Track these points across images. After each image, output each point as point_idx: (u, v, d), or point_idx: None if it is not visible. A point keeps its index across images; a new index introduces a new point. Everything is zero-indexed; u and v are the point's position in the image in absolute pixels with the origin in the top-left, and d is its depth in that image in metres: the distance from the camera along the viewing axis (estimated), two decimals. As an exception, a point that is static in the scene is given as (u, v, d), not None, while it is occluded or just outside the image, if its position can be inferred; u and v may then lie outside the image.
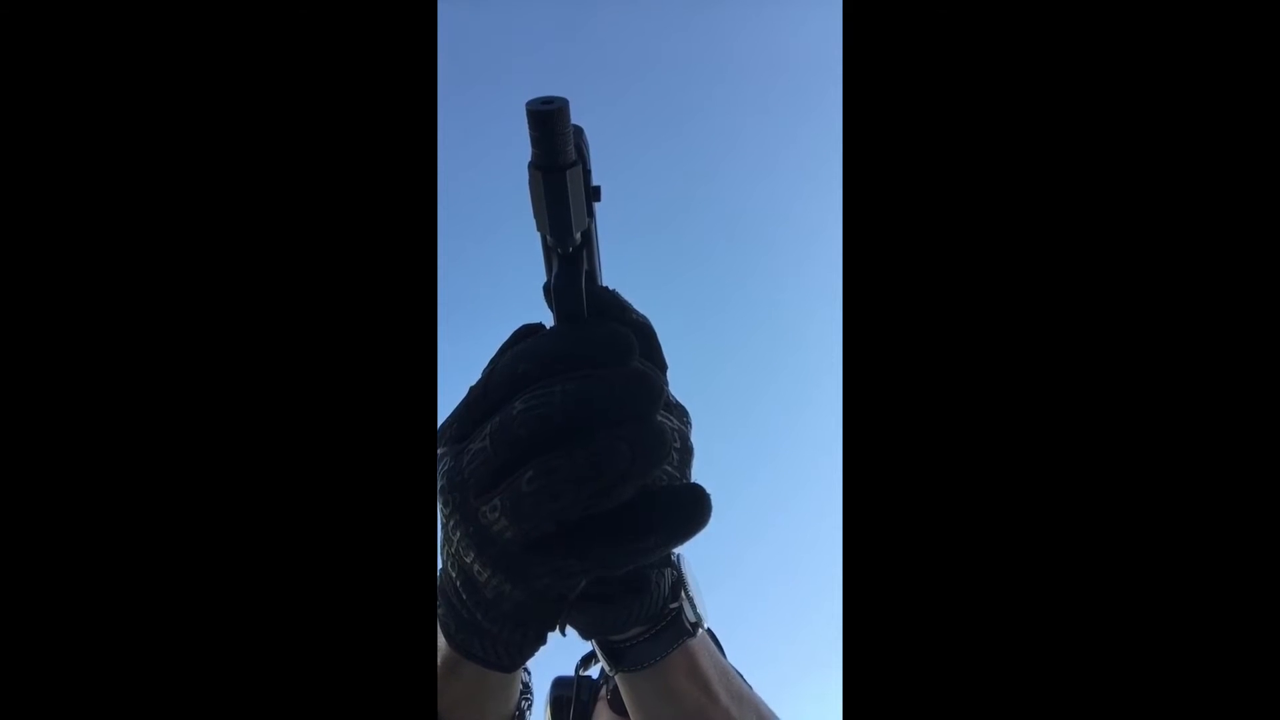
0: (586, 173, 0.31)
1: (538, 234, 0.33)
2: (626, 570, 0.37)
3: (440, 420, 0.36)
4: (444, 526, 0.35)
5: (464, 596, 0.36)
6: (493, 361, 0.36)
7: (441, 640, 0.39)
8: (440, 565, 0.38)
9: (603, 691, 0.75)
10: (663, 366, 0.39)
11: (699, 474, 0.39)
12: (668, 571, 0.43)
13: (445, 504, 0.34)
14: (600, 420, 0.30)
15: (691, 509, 0.33)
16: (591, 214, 0.33)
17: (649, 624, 0.44)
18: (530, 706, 0.52)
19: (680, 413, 0.40)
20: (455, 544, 0.35)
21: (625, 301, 0.38)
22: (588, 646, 0.48)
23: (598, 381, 0.31)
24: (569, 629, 0.42)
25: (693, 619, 0.45)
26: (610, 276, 0.39)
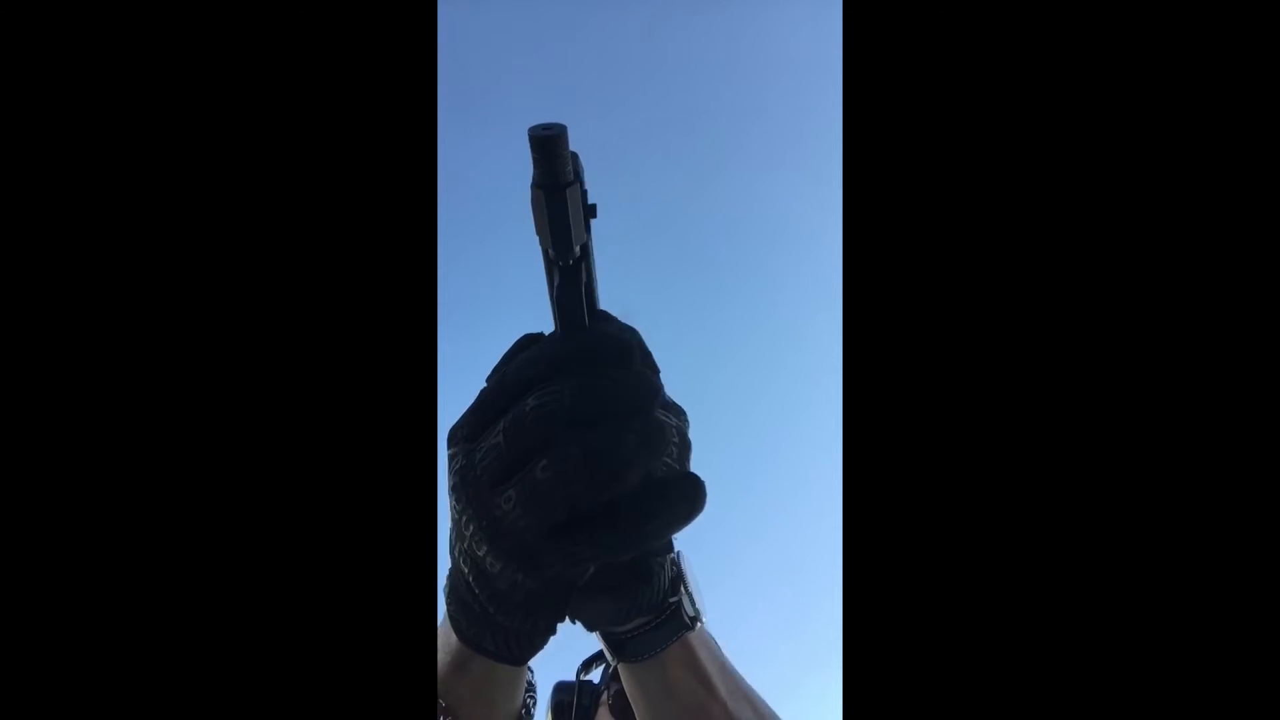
0: (583, 192, 0.34)
1: (540, 248, 0.35)
2: (631, 558, 0.40)
3: (440, 419, 0.37)
4: (456, 523, 0.37)
5: (476, 591, 0.38)
6: (499, 368, 0.38)
7: (452, 637, 0.41)
8: (450, 564, 0.40)
9: (604, 697, 0.75)
10: (654, 369, 0.41)
11: (701, 474, 0.40)
12: (669, 564, 0.46)
13: (458, 500, 0.36)
14: (608, 413, 0.33)
15: (689, 496, 0.36)
16: (588, 229, 0.36)
17: (650, 616, 0.45)
18: (534, 704, 0.53)
19: (678, 411, 0.42)
20: (468, 539, 0.36)
21: (613, 317, 0.41)
22: (589, 651, 0.48)
23: (604, 379, 0.34)
24: (576, 629, 0.44)
25: (692, 613, 0.47)
26: (612, 277, 0.41)
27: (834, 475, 0.35)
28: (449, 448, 0.38)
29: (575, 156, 0.34)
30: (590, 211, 0.35)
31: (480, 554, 0.36)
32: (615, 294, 0.42)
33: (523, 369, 0.35)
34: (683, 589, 0.47)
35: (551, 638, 0.41)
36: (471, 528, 0.36)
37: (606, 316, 0.41)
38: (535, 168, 0.31)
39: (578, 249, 0.34)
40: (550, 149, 0.31)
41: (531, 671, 0.52)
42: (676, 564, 0.47)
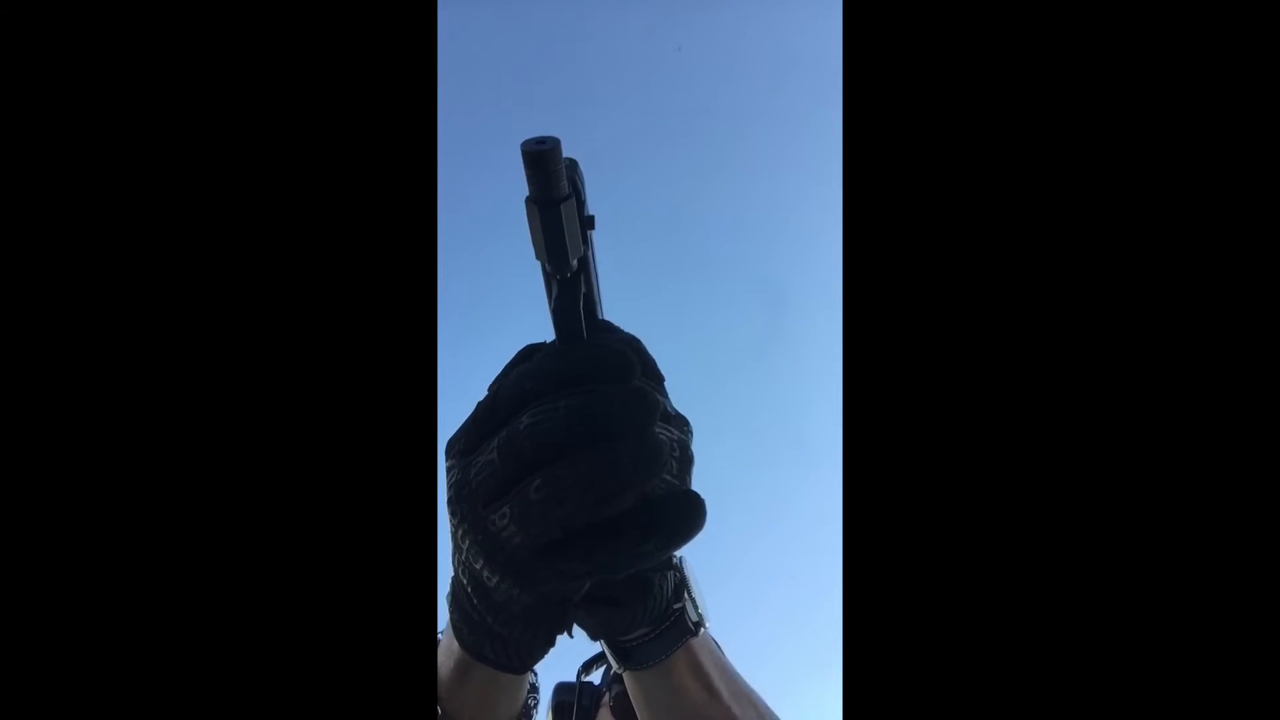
0: (581, 203, 0.34)
1: (537, 261, 0.35)
2: (629, 574, 0.39)
3: (440, 426, 0.37)
4: (453, 535, 0.37)
5: (475, 601, 0.38)
6: (498, 379, 0.38)
7: (454, 644, 0.41)
8: (453, 572, 0.40)
9: (605, 699, 0.75)
10: (658, 379, 0.41)
11: (700, 475, 0.40)
12: (670, 574, 0.45)
13: (454, 514, 0.36)
14: (602, 433, 0.33)
15: (687, 515, 0.35)
16: (587, 242, 0.36)
17: (654, 624, 0.45)
18: (536, 706, 0.53)
19: (680, 423, 0.41)
20: (465, 552, 0.36)
21: (615, 327, 0.41)
22: (591, 651, 0.48)
23: (599, 397, 0.33)
24: (578, 630, 0.43)
25: (695, 619, 0.47)
26: (613, 278, 0.40)
27: (834, 475, 0.35)
28: (446, 459, 0.38)
29: (573, 164, 0.33)
30: (588, 223, 0.35)
31: (477, 567, 0.36)
32: (615, 294, 0.42)
33: (518, 383, 0.35)
34: (686, 595, 0.47)
35: (551, 649, 0.41)
36: (468, 542, 0.36)
37: (609, 327, 0.40)
38: (529, 183, 0.31)
39: (574, 263, 0.34)
40: (544, 164, 0.30)
41: (534, 673, 0.52)
42: (680, 570, 0.47)
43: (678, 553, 0.46)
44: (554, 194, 0.31)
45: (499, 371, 0.39)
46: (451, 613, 0.41)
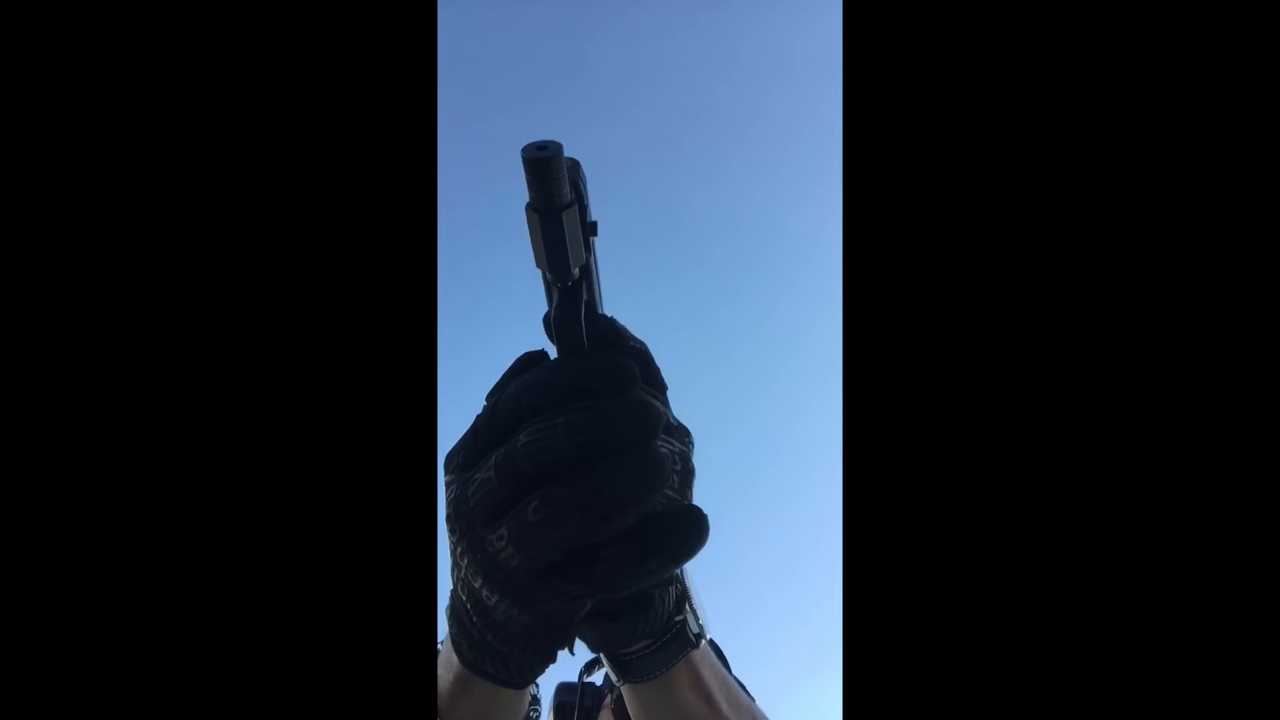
0: (583, 209, 0.33)
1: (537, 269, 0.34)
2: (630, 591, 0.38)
3: (440, 432, 0.37)
4: (452, 552, 0.37)
5: (474, 618, 0.37)
6: (496, 390, 0.37)
7: (454, 658, 0.40)
8: (452, 586, 0.39)
9: (607, 700, 0.75)
10: (661, 388, 0.41)
11: (701, 478, 0.40)
12: (672, 587, 0.45)
13: (452, 531, 0.36)
14: (602, 450, 0.32)
15: (689, 532, 0.35)
16: (589, 248, 0.34)
17: (655, 637, 0.45)
18: (538, 717, 0.53)
19: (681, 434, 0.41)
20: (464, 569, 0.36)
21: (623, 328, 0.40)
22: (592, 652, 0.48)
23: (599, 412, 0.32)
24: (578, 642, 0.43)
25: (696, 630, 0.46)
26: (613, 279, 0.40)
27: (834, 476, 0.35)
28: (445, 473, 0.37)
29: (576, 166, 0.32)
30: (590, 229, 0.34)
31: (476, 585, 0.36)
32: (616, 294, 0.41)
33: (517, 397, 0.34)
34: (688, 606, 0.46)
35: (552, 664, 0.40)
36: (466, 560, 0.35)
37: (618, 332, 0.39)
38: (529, 189, 0.30)
39: (576, 271, 0.33)
40: (545, 170, 0.29)
41: (536, 684, 0.52)
42: (680, 581, 0.46)
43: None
44: (555, 201, 0.30)
45: (496, 381, 0.38)
46: (451, 627, 0.40)
